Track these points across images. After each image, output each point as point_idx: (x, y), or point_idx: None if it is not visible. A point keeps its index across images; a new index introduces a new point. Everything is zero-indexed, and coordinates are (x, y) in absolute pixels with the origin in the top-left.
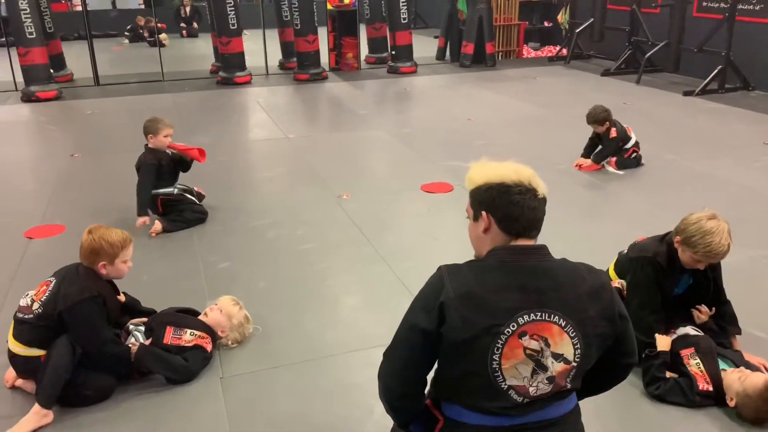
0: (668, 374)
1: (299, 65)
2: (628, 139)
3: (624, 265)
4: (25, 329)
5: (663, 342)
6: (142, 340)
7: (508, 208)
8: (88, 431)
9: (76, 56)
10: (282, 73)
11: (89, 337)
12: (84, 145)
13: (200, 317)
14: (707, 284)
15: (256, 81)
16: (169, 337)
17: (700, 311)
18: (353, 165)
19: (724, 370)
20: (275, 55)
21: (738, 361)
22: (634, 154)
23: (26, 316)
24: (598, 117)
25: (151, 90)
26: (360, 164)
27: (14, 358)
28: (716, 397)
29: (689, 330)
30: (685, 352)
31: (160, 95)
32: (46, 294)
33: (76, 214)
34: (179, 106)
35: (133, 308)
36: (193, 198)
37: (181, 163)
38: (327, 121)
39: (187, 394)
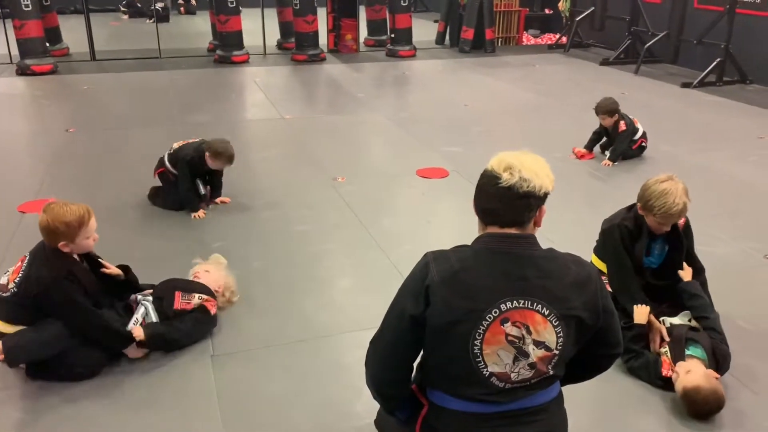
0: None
1: (297, 46)
2: (636, 130)
3: (599, 243)
4: (5, 308)
5: (641, 312)
6: (152, 312)
7: (475, 193)
8: (77, 407)
9: (72, 30)
10: (280, 53)
11: (71, 314)
12: (79, 120)
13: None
14: (681, 252)
15: (254, 60)
16: (179, 302)
17: (681, 275)
18: (349, 148)
19: (692, 356)
20: (273, 34)
21: (708, 348)
22: (643, 144)
23: (3, 295)
24: (609, 107)
25: (148, 67)
26: (356, 147)
27: (1, 336)
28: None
29: (676, 320)
30: (666, 342)
31: (157, 72)
32: (19, 274)
33: (70, 189)
34: (176, 83)
35: (135, 287)
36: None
37: (211, 179)
38: (324, 103)
39: (177, 372)
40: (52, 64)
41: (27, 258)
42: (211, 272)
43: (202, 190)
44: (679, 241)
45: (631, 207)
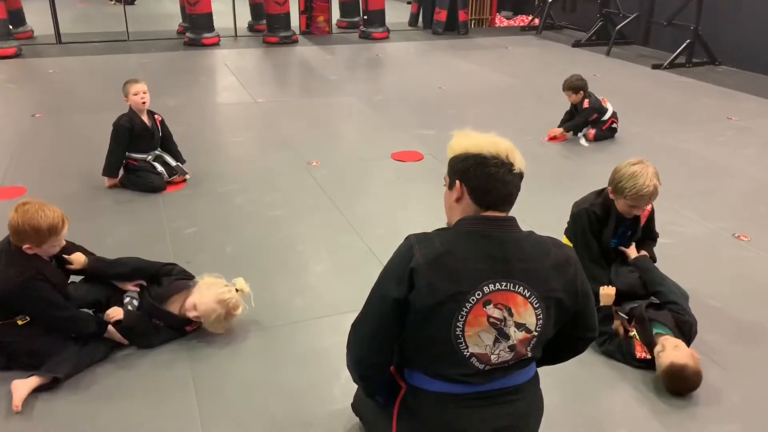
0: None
1: (269, 28)
2: (604, 111)
3: (569, 226)
4: None
5: (607, 294)
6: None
7: (482, 179)
8: (47, 397)
9: (36, 12)
10: (251, 35)
11: (46, 311)
12: (46, 104)
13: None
14: (634, 238)
15: (225, 43)
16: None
17: (627, 252)
18: (323, 131)
19: (660, 334)
20: (244, 16)
21: (669, 323)
22: (614, 124)
23: None
24: (573, 84)
25: (115, 50)
26: (330, 131)
27: None
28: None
29: (636, 304)
30: (632, 326)
31: (125, 55)
32: None
33: (37, 175)
34: (145, 67)
35: (104, 273)
36: (160, 169)
37: (163, 132)
38: (297, 86)
39: (154, 360)
40: (15, 47)
41: None
42: (198, 306)
43: (172, 162)
44: (638, 230)
45: (601, 191)
